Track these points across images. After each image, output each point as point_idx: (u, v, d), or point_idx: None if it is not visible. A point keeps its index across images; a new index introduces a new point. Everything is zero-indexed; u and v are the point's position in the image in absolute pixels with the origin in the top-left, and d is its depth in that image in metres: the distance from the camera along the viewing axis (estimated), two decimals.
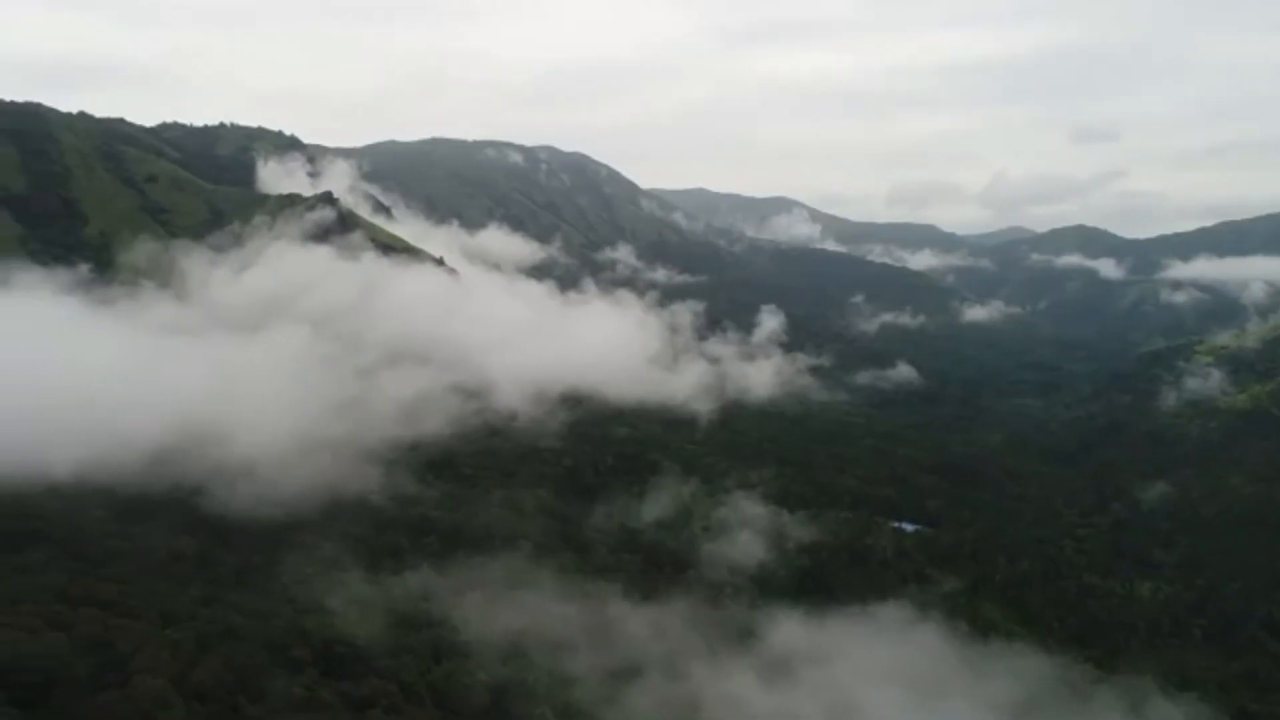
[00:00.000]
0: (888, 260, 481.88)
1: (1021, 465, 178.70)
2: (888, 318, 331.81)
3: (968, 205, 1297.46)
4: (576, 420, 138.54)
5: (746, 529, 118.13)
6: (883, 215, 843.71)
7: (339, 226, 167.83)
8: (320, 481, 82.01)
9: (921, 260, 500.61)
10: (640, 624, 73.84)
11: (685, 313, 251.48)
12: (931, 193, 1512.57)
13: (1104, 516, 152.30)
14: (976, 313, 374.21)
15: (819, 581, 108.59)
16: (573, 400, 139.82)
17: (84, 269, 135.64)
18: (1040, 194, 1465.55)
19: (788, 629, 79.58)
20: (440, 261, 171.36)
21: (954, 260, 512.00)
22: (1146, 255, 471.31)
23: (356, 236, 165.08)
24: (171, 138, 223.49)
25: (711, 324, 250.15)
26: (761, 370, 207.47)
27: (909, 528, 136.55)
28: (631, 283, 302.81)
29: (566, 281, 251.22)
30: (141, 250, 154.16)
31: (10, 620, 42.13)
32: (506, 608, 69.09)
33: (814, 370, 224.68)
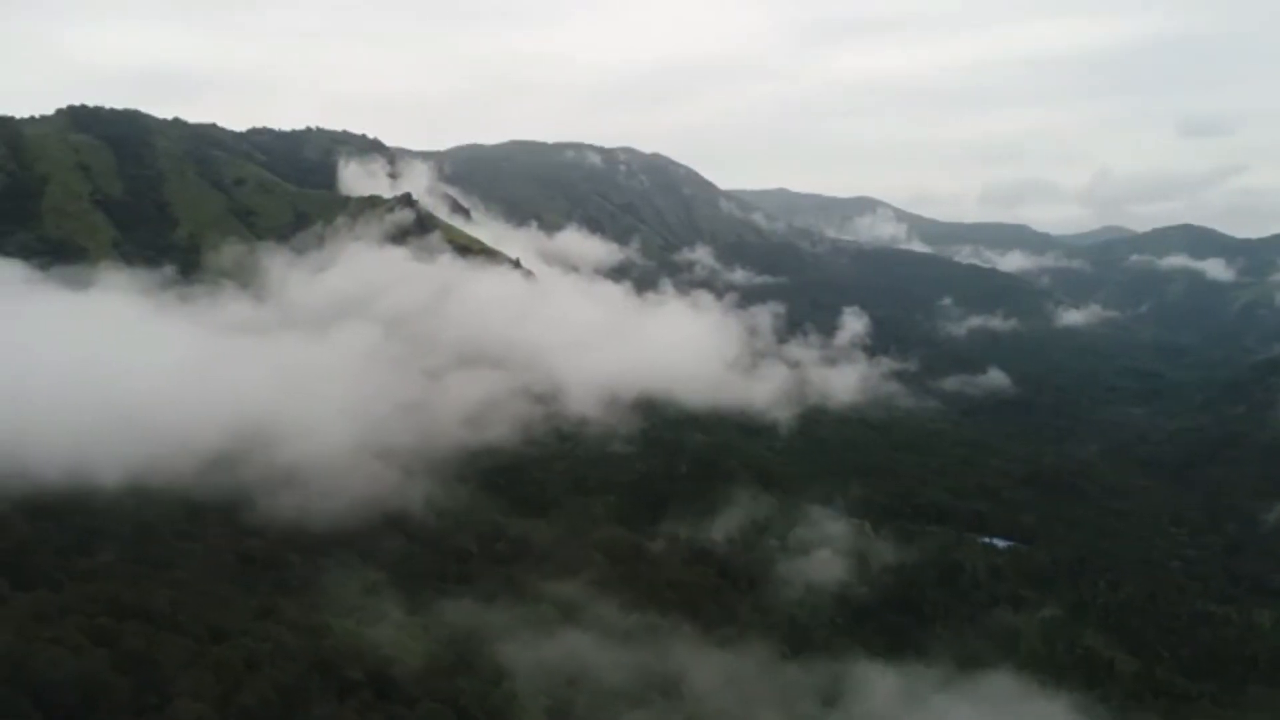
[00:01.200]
0: (976, 261, 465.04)
1: (1122, 479, 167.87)
2: (977, 321, 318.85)
3: (1066, 204, 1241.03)
4: (650, 426, 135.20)
5: (826, 543, 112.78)
6: (974, 215, 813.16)
7: (417, 228, 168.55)
8: (377, 490, 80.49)
9: (1012, 261, 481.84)
10: (710, 665, 69.26)
11: (765, 315, 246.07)
12: (1027, 191, 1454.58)
13: (1216, 537, 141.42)
14: (1072, 316, 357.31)
15: (904, 602, 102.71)
16: (646, 405, 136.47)
17: (167, 270, 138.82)
18: (1145, 191, 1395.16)
19: (876, 682, 73.28)
20: (517, 263, 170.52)
21: (1047, 261, 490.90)
22: (1261, 256, 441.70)
23: (434, 238, 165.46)
24: (260, 142, 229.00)
25: (792, 326, 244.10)
26: (843, 375, 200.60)
27: (1001, 544, 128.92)
28: (710, 284, 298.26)
29: (644, 283, 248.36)
30: (227, 252, 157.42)
31: (56, 635, 40.93)
32: (561, 643, 65.27)
33: (899, 375, 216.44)
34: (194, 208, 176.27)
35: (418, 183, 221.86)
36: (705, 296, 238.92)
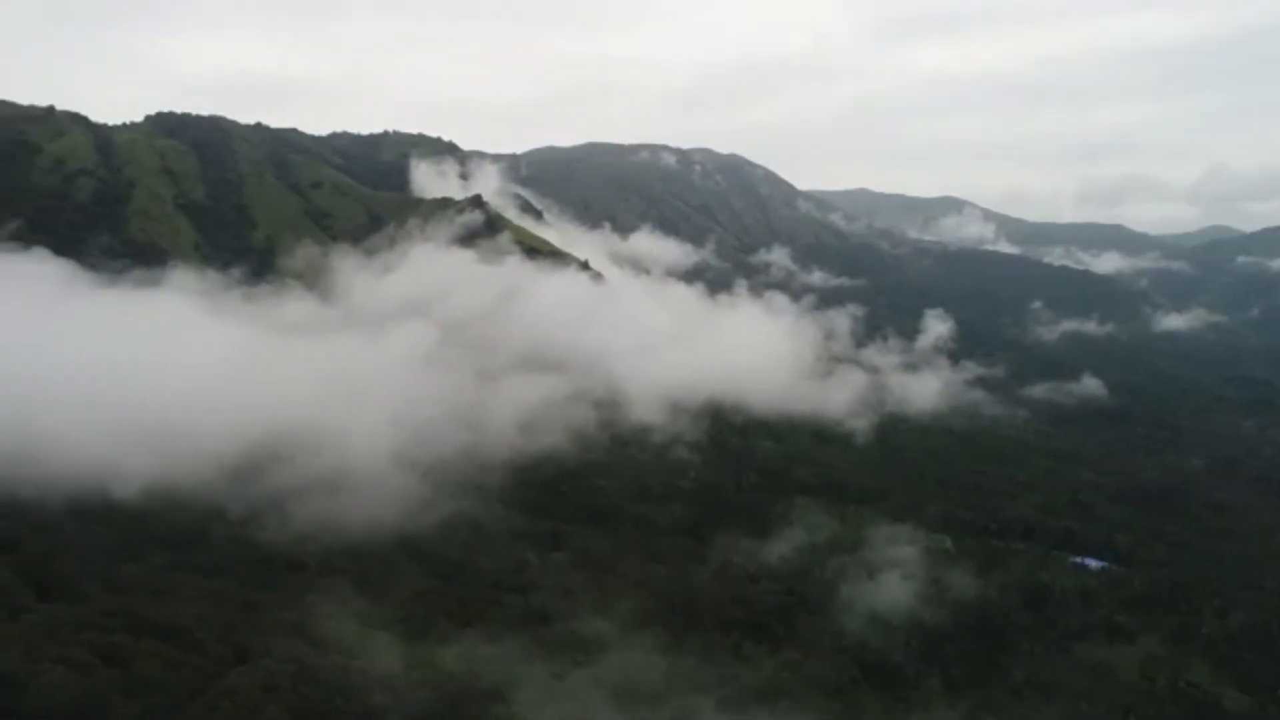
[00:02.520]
0: (1068, 263, 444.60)
1: (1230, 496, 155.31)
2: (1069, 325, 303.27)
3: (1172, 202, 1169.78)
4: (717, 433, 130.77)
5: (901, 561, 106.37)
6: (1069, 214, 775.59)
7: (486, 229, 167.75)
8: (410, 503, 77.84)
9: (1107, 263, 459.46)
10: (768, 691, 64.26)
11: (842, 318, 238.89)
12: (1129, 189, 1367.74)
13: None
14: (1173, 321, 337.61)
15: (986, 627, 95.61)
16: (714, 411, 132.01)
17: (240, 271, 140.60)
18: (1261, 188, 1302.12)
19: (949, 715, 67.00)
20: (585, 265, 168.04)
21: (1144, 263, 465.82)
22: None
23: (503, 239, 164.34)
24: (338, 146, 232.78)
25: (870, 330, 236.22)
26: (924, 381, 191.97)
27: (1094, 565, 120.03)
28: (786, 286, 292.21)
29: (717, 285, 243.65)
30: (300, 254, 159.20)
31: (67, 654, 39.17)
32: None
33: (984, 382, 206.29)
34: (271, 210, 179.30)
35: (489, 184, 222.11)
36: (780, 299, 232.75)
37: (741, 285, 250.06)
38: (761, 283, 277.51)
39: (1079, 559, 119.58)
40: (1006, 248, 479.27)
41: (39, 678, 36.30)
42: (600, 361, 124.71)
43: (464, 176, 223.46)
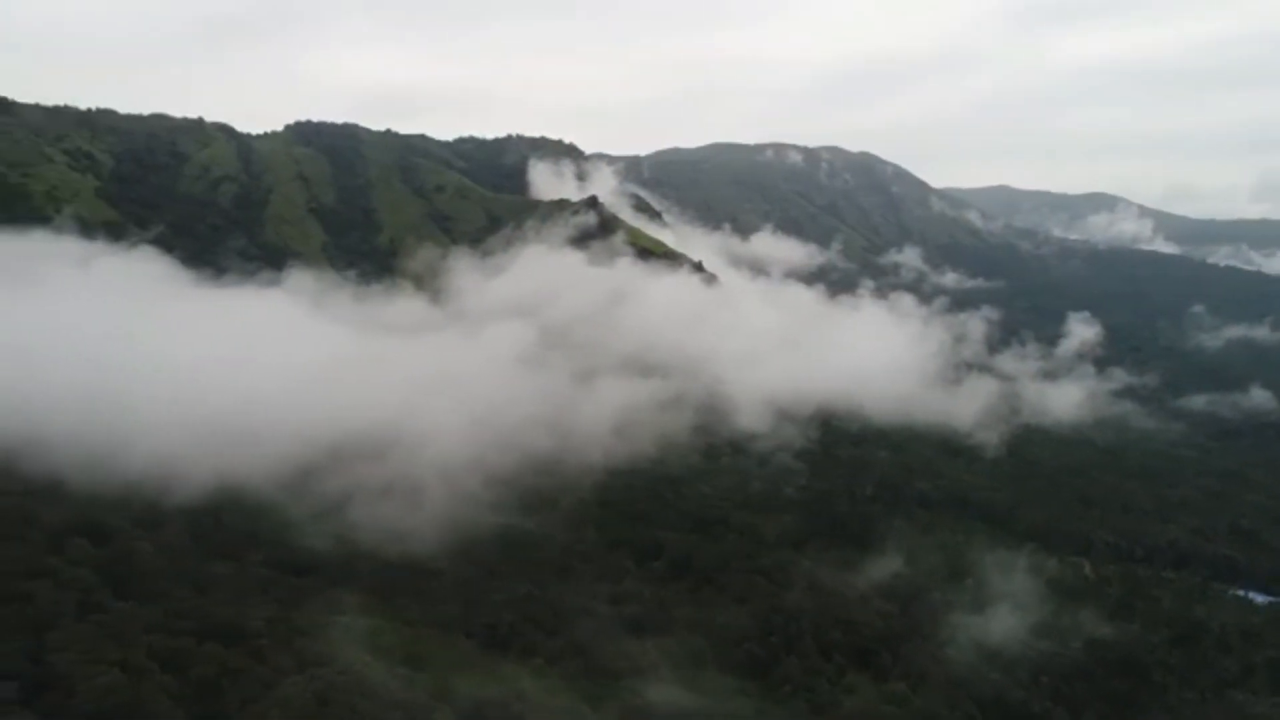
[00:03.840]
0: (1235, 263, 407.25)
1: None
2: (1236, 331, 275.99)
3: None
4: (832, 441, 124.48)
5: (1033, 585, 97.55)
6: (1245, 210, 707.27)
7: (600, 230, 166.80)
8: (501, 503, 76.19)
9: None
10: None
11: (976, 322, 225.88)
12: None
13: None
14: None
15: (1130, 665, 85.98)
16: (826, 418, 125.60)
17: (353, 272, 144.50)
18: None
19: None
20: (699, 266, 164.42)
21: None
22: None
23: (616, 241, 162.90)
24: (464, 150, 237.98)
25: (1007, 335, 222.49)
26: (1065, 390, 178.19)
27: (1259, 599, 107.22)
28: (916, 288, 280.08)
29: (840, 286, 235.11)
30: (420, 255, 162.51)
31: (127, 656, 38.94)
32: None
33: (1134, 391, 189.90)
34: (396, 214, 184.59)
35: (606, 186, 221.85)
36: (907, 301, 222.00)
37: (866, 287, 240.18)
38: (889, 284, 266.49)
39: (1241, 592, 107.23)
40: (1165, 247, 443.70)
41: (91, 681, 36.06)
42: (707, 365, 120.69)
43: (582, 178, 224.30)
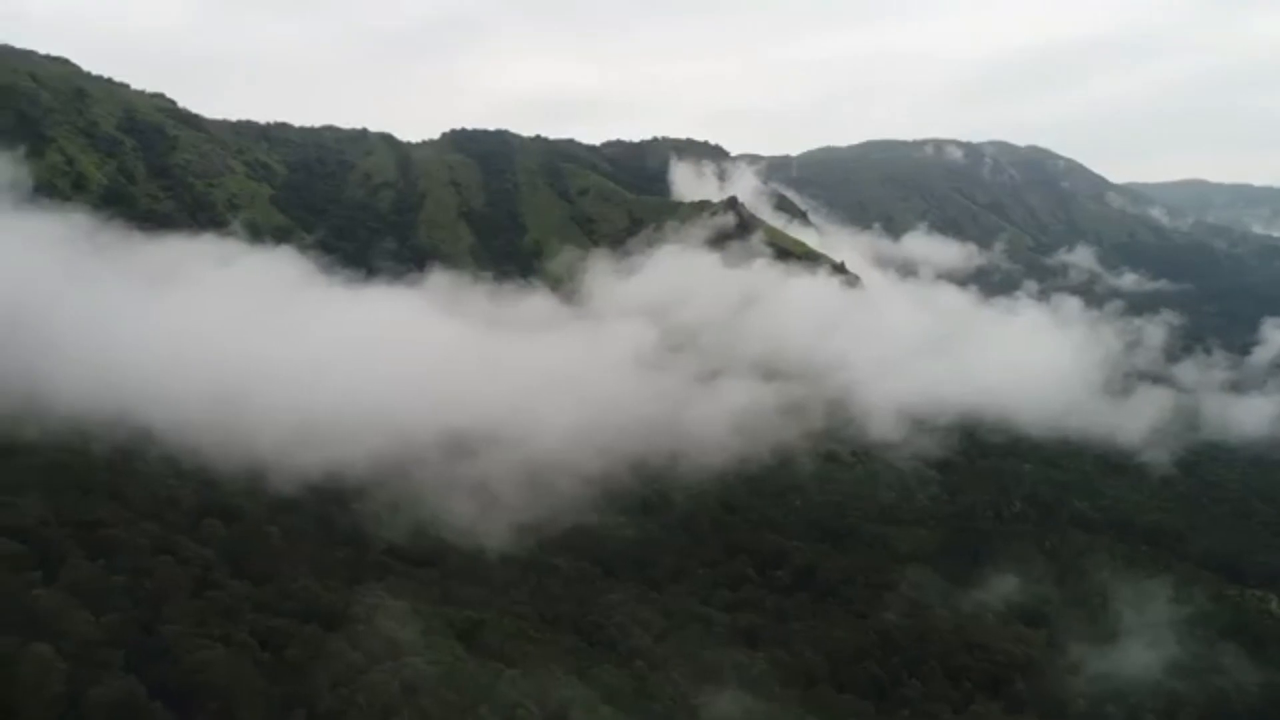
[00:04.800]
0: None
1: None
2: None
3: None
4: (975, 453, 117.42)
5: (1204, 620, 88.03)
6: None
7: (738, 231, 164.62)
8: (609, 502, 75.73)
9: None
10: None
11: (1155, 327, 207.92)
12: None
13: None
14: None
15: None
16: (970, 428, 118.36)
17: (490, 274, 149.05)
18: None
19: None
20: (840, 267, 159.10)
21: None
22: None
23: (755, 242, 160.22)
24: (610, 153, 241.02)
25: (1190, 342, 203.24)
26: (1256, 405, 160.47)
27: None
28: (1087, 290, 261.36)
29: (997, 288, 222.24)
30: (561, 257, 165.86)
31: (230, 633, 41.12)
32: None
33: None
34: (540, 216, 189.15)
35: (748, 186, 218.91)
36: (1071, 303, 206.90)
37: (1028, 289, 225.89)
38: (1055, 286, 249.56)
39: None
40: None
41: (193, 654, 38.26)
42: (840, 370, 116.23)
43: (725, 179, 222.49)
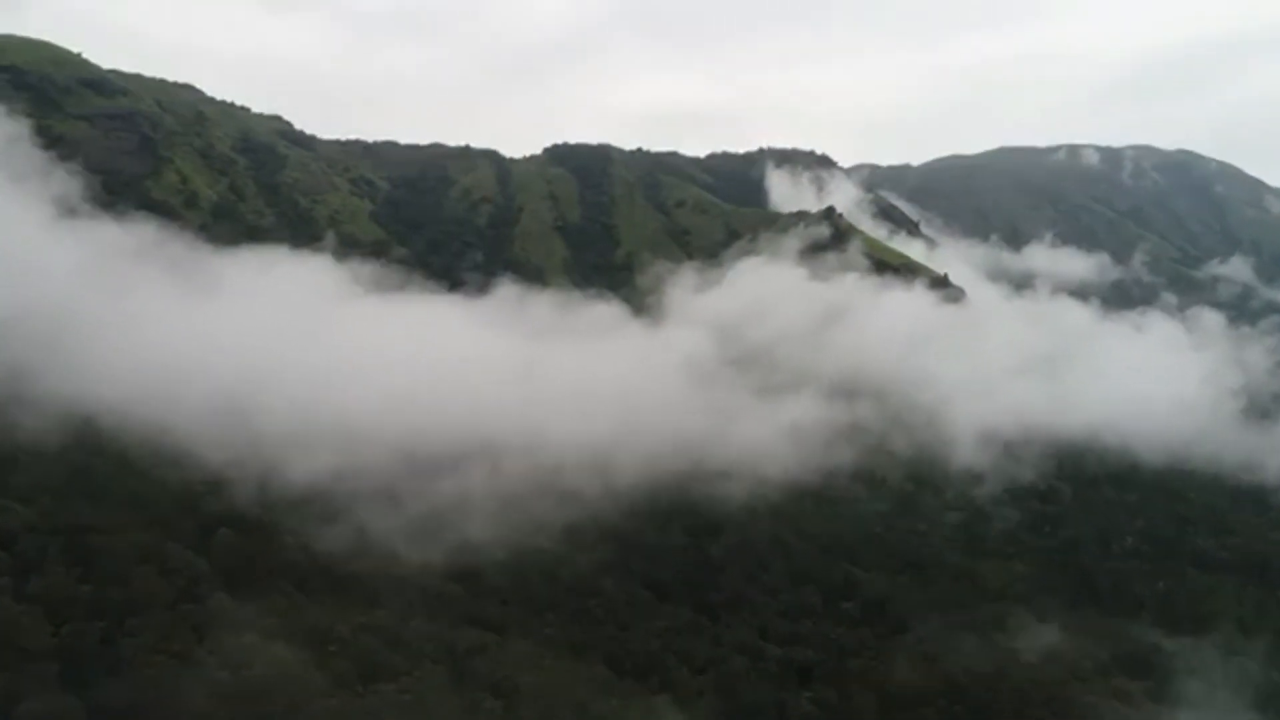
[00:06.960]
0: None
1: None
2: None
3: None
4: (1087, 482, 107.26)
5: None
6: None
7: (834, 242, 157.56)
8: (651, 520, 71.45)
9: None
10: None
11: None
12: None
13: None
14: None
15: None
16: (1077, 455, 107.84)
17: (579, 290, 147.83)
18: None
19: None
20: (943, 280, 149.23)
21: None
22: None
23: (851, 253, 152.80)
24: (712, 165, 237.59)
25: None
26: None
27: None
28: (1239, 305, 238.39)
29: (1131, 302, 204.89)
30: (653, 270, 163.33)
31: (189, 651, 39.76)
32: None
33: None
34: (635, 229, 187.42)
35: (849, 197, 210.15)
36: (1214, 318, 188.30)
37: (1165, 303, 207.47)
38: (1199, 300, 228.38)
39: None
40: None
41: (144, 671, 37.11)
42: (927, 388, 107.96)
43: (824, 189, 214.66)
